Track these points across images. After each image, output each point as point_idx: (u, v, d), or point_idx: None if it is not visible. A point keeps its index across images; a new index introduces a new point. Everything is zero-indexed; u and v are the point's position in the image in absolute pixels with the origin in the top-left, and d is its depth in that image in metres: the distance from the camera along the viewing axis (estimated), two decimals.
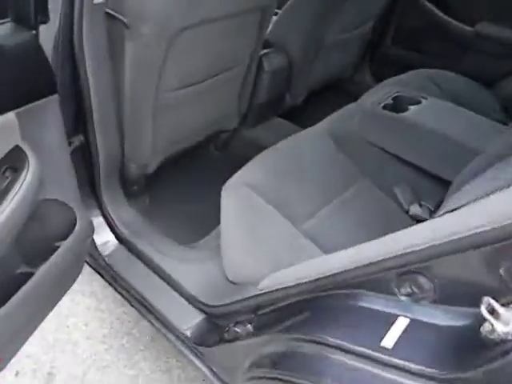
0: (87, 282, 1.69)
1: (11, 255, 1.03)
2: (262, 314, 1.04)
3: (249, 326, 1.04)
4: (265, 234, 1.19)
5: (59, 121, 1.04)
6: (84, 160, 1.31)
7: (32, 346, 1.49)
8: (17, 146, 0.94)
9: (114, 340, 1.57)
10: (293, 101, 1.98)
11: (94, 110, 1.22)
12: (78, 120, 1.23)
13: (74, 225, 1.16)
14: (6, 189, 0.91)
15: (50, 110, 1.00)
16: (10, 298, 1.01)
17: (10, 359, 1.11)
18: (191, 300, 1.25)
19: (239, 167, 1.31)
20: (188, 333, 1.22)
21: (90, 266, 1.43)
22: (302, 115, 1.99)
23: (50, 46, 1.01)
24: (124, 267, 1.37)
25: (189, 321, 1.24)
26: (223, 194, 1.24)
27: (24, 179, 0.92)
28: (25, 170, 0.93)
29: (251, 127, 1.89)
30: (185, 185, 1.71)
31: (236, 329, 1.06)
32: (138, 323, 1.61)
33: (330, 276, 0.85)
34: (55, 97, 0.99)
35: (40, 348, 1.50)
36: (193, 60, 1.35)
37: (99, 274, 1.43)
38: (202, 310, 1.23)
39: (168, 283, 1.31)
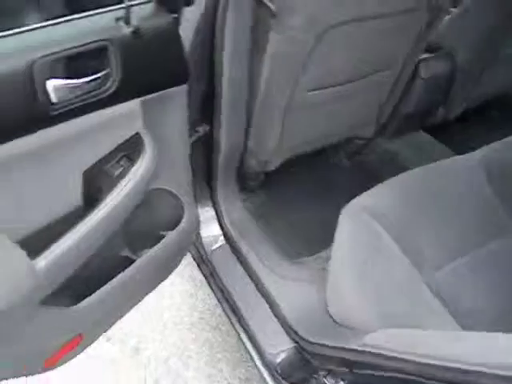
0: (188, 265, 1.68)
1: (117, 238, 1.01)
2: (359, 374, 0.88)
3: (341, 383, 0.89)
4: (380, 273, 1.02)
5: (184, 111, 0.98)
6: (205, 150, 1.25)
7: (126, 317, 1.52)
8: (136, 134, 0.89)
9: (201, 332, 1.54)
10: (446, 115, 1.70)
11: (223, 100, 1.14)
12: (205, 108, 1.17)
13: (181, 217, 1.12)
14: (118, 176, 0.87)
15: (177, 100, 0.94)
16: (109, 278, 1.01)
17: (98, 336, 1.12)
18: (284, 324, 1.13)
19: (368, 182, 1.14)
20: (272, 358, 1.12)
21: (192, 255, 1.39)
22: (453, 134, 1.70)
23: (188, 31, 0.94)
24: (223, 267, 1.31)
25: (277, 345, 1.13)
26: (342, 215, 1.09)
27: (138, 170, 0.88)
28: (140, 160, 0.89)
29: (390, 139, 1.68)
30: (305, 189, 1.58)
31: (326, 382, 0.92)
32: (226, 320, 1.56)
33: (460, 371, 0.66)
34: (184, 87, 0.93)
35: (132, 321, 1.53)
36: (338, 60, 1.19)
37: (198, 265, 1.39)
38: (293, 339, 1.11)
39: (264, 297, 1.21)
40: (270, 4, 1.02)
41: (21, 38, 0.70)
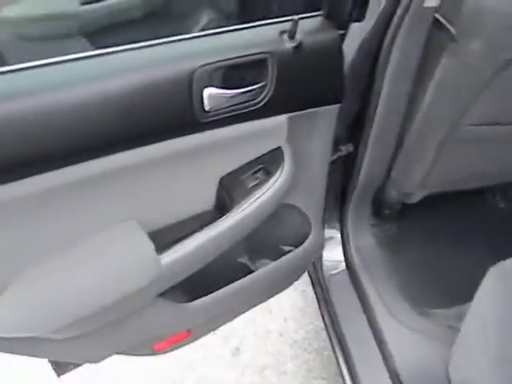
0: (302, 279, 1.64)
1: (239, 245, 1.01)
2: None
3: None
4: None
5: (331, 131, 0.93)
6: (343, 170, 1.19)
7: None
8: (278, 148, 0.87)
9: (303, 352, 1.49)
10: None
11: (375, 121, 1.06)
12: (353, 127, 1.10)
13: (307, 236, 1.08)
14: (252, 188, 0.86)
15: (326, 119, 0.89)
16: (224, 281, 1.02)
17: (206, 334, 1.14)
18: (395, 378, 1.02)
19: None
20: None
21: (309, 273, 1.34)
22: None
23: (350, 46, 0.89)
24: (339, 295, 1.24)
25: None
26: (489, 274, 0.94)
27: (273, 184, 0.86)
28: (277, 175, 0.87)
29: None
30: (447, 229, 1.41)
31: None
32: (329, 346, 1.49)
33: None
34: (336, 107, 0.87)
35: (239, 321, 1.53)
36: None
37: (312, 285, 1.34)
38: None
39: (377, 341, 1.11)
40: (450, 26, 0.91)
41: (185, 45, 0.72)
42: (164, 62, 0.69)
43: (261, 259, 1.11)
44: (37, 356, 0.81)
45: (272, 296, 1.19)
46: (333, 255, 1.27)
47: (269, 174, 0.87)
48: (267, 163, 0.88)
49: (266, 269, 1.02)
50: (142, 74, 0.67)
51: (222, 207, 0.88)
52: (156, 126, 0.70)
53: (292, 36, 0.75)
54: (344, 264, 1.27)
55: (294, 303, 1.61)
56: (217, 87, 0.71)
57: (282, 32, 0.76)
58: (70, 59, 0.65)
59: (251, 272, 1.08)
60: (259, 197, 0.85)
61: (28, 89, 0.61)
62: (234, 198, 0.86)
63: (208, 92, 0.71)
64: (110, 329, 0.82)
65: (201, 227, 0.84)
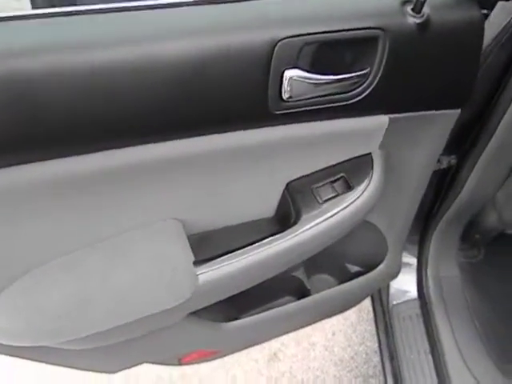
0: None
1: None
2: None
3: None
4: None
5: (441, 143, 0.72)
6: (438, 186, 0.97)
7: None
8: (367, 155, 0.67)
9: (347, 373, 1.31)
10: None
11: (497, 133, 0.82)
12: (460, 136, 0.87)
13: (381, 260, 0.89)
14: (326, 201, 0.67)
15: (439, 127, 0.68)
16: (271, 296, 0.86)
17: (238, 351, 1.00)
18: None
19: None
20: None
21: (371, 296, 1.15)
22: None
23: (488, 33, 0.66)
24: (403, 329, 1.04)
25: None
26: None
27: (354, 200, 0.67)
28: (360, 189, 0.67)
29: None
30: None
31: None
32: (379, 376, 1.31)
33: None
34: (456, 112, 0.66)
35: None
36: None
37: (374, 310, 1.15)
38: None
39: None
40: None
41: (267, 6, 0.53)
42: (235, 27, 0.50)
43: (319, 274, 0.94)
44: (46, 363, 0.69)
45: (323, 319, 1.01)
46: (402, 283, 1.07)
47: (349, 186, 0.67)
48: (349, 172, 0.68)
49: (325, 293, 0.85)
50: (203, 40, 0.48)
51: (283, 218, 0.70)
52: (214, 113, 0.52)
53: (418, 9, 0.53)
54: (414, 293, 1.07)
55: (345, 316, 1.43)
56: (302, 69, 0.52)
57: (405, 2, 0.55)
58: (113, 8, 0.48)
59: (304, 288, 0.91)
60: (335, 214, 0.67)
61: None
62: (302, 209, 0.68)
63: (290, 75, 0.52)
64: (131, 342, 0.69)
65: (253, 240, 0.67)
